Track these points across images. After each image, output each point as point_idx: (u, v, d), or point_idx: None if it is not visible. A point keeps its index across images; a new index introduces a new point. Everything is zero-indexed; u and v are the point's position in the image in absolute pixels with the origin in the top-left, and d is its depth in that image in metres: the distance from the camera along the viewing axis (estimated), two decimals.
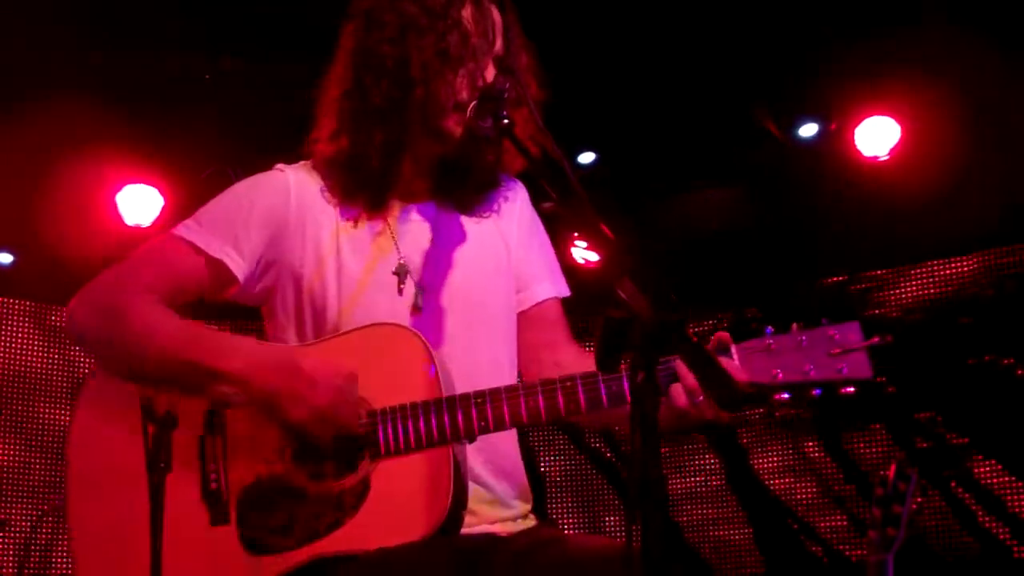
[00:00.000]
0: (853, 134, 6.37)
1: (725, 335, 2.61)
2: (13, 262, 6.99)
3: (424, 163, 2.83)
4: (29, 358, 7.05)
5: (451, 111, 2.71)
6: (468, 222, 2.90)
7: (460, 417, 2.55)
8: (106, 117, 6.09)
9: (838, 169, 6.53)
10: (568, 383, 2.57)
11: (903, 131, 6.29)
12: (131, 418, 2.59)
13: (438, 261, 2.83)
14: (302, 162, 2.89)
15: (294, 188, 2.81)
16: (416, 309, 2.76)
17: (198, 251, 2.75)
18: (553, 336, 3.00)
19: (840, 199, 6.60)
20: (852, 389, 2.51)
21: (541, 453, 7.44)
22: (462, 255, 2.87)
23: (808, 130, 6.54)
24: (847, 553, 6.61)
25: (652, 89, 6.31)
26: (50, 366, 7.10)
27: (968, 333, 6.48)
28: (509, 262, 2.95)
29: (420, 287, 2.78)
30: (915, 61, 5.91)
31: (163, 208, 6.73)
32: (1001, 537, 6.23)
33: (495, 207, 2.94)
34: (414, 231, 2.85)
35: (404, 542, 2.46)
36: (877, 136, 6.33)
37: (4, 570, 6.59)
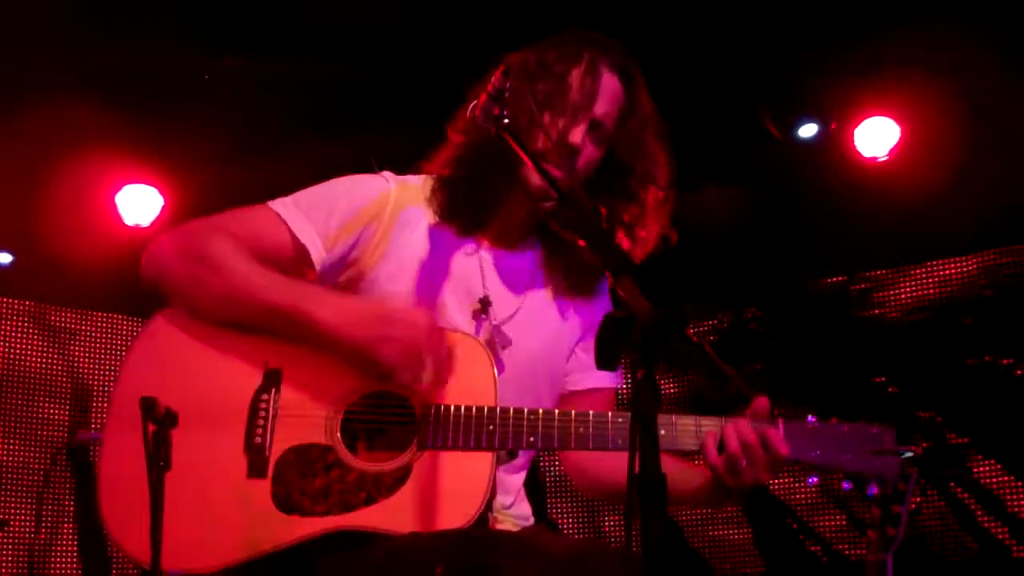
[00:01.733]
0: (853, 134, 6.37)
1: (765, 401, 2.67)
2: (13, 262, 6.99)
3: (518, 216, 2.91)
4: (29, 358, 7.04)
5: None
6: (555, 292, 2.98)
7: (511, 429, 2.62)
8: (105, 117, 6.09)
9: (838, 169, 6.53)
10: (620, 419, 2.64)
11: (903, 131, 6.29)
12: (190, 361, 2.69)
13: (516, 310, 2.91)
14: (408, 175, 2.97)
15: (394, 196, 2.89)
16: (489, 342, 2.82)
17: (287, 229, 2.83)
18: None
19: (840, 199, 6.60)
20: (876, 491, 2.78)
21: (541, 455, 7.45)
22: (539, 318, 2.94)
23: (808, 130, 6.53)
24: (846, 552, 6.61)
25: (651, 89, 6.30)
26: (49, 366, 7.10)
27: (968, 333, 6.48)
28: (573, 343, 3.03)
29: (495, 324, 2.85)
30: (915, 62, 5.91)
31: (163, 208, 6.73)
32: (1000, 537, 6.23)
33: (585, 294, 3.01)
34: (503, 274, 2.92)
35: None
36: (877, 136, 6.33)
37: (4, 570, 6.60)
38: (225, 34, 5.96)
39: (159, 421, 2.37)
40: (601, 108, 2.84)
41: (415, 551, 2.46)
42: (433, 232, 2.89)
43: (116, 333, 7.16)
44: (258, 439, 2.65)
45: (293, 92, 6.22)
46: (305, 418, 2.67)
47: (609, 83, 2.86)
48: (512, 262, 2.95)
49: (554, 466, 7.50)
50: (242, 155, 6.42)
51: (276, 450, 2.65)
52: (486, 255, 2.92)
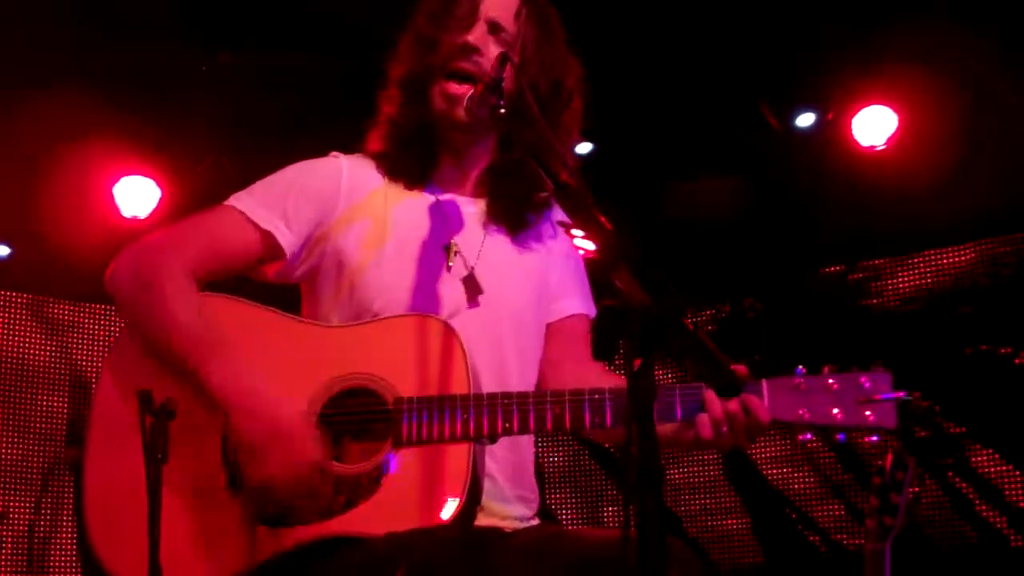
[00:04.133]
0: (850, 123, 6.37)
1: (744, 369, 2.62)
2: (10, 254, 6.98)
3: (464, 157, 2.93)
4: (27, 350, 7.04)
5: (431, 81, 2.83)
6: (514, 230, 2.97)
7: (486, 417, 2.58)
8: (103, 109, 6.08)
9: (835, 159, 6.52)
10: (596, 395, 2.59)
11: (900, 120, 6.28)
12: (157, 376, 2.64)
13: (482, 253, 2.89)
14: (357, 153, 2.98)
15: (347, 173, 2.90)
16: (459, 288, 2.82)
17: (248, 221, 2.82)
18: (577, 350, 3.05)
19: (837, 189, 6.59)
20: (876, 438, 2.55)
21: (540, 445, 7.44)
22: (505, 258, 2.93)
23: (805, 120, 6.53)
24: (845, 542, 6.62)
25: (648, 79, 6.30)
26: (48, 358, 7.09)
27: (966, 322, 6.48)
28: (547, 274, 3.02)
29: (465, 268, 2.85)
30: (912, 51, 5.90)
31: (160, 200, 6.72)
32: (998, 526, 6.23)
33: (542, 225, 3.01)
34: (465, 220, 2.92)
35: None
36: (874, 126, 6.32)
37: (3, 561, 6.60)
38: (222, 27, 5.95)
39: (156, 413, 2.37)
40: (492, 11, 2.85)
41: (382, 553, 2.42)
42: (389, 194, 2.89)
43: (114, 325, 7.15)
44: (233, 453, 2.62)
45: (290, 84, 6.22)
46: None
47: None
48: (466, 207, 2.95)
49: (553, 456, 7.51)
50: (239, 147, 6.41)
51: None
52: (443, 203, 2.92)
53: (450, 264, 2.84)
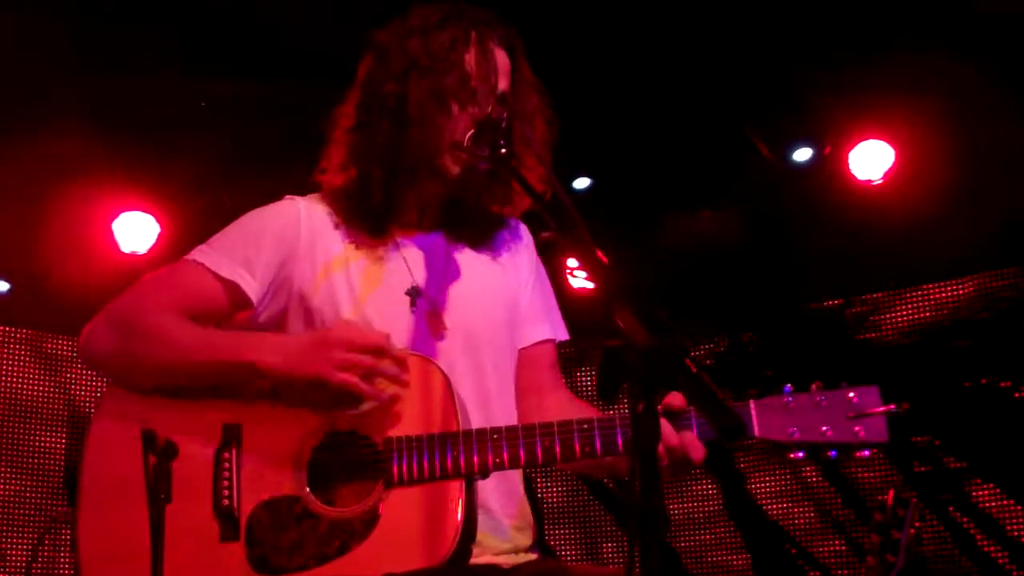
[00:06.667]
0: (847, 158, 6.39)
1: (680, 398, 2.61)
2: (9, 289, 6.99)
3: (430, 197, 2.90)
4: (25, 386, 7.03)
5: (447, 151, 2.78)
6: (476, 256, 2.95)
7: (476, 453, 2.57)
8: (102, 145, 6.11)
9: (832, 193, 6.54)
10: (585, 426, 2.59)
11: (897, 154, 6.31)
12: (149, 424, 2.59)
13: (448, 287, 2.88)
14: (312, 194, 2.95)
15: (304, 215, 2.87)
16: (427, 329, 2.80)
17: (211, 274, 2.80)
18: (541, 380, 3.04)
19: (835, 223, 6.61)
20: (867, 452, 2.54)
21: (539, 480, 7.42)
22: (471, 285, 2.91)
23: (802, 154, 6.55)
24: None
25: (646, 113, 6.33)
26: (46, 394, 7.08)
27: (964, 356, 6.48)
28: (515, 299, 3.00)
29: (432, 308, 2.82)
30: (909, 85, 5.93)
31: (159, 235, 6.73)
32: (1000, 562, 6.21)
33: (503, 245, 2.99)
34: (425, 257, 2.90)
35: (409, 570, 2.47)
36: (871, 160, 6.35)
37: None
38: (221, 62, 5.97)
39: (159, 453, 2.36)
40: (502, 84, 2.83)
41: None
42: (348, 237, 2.86)
43: None
44: (225, 501, 2.61)
45: (288, 117, 6.23)
46: (270, 470, 2.63)
47: (500, 58, 2.85)
48: (427, 243, 2.92)
49: (552, 492, 7.48)
50: (238, 182, 6.42)
51: (245, 509, 2.61)
52: (404, 244, 2.89)
53: (414, 308, 2.82)
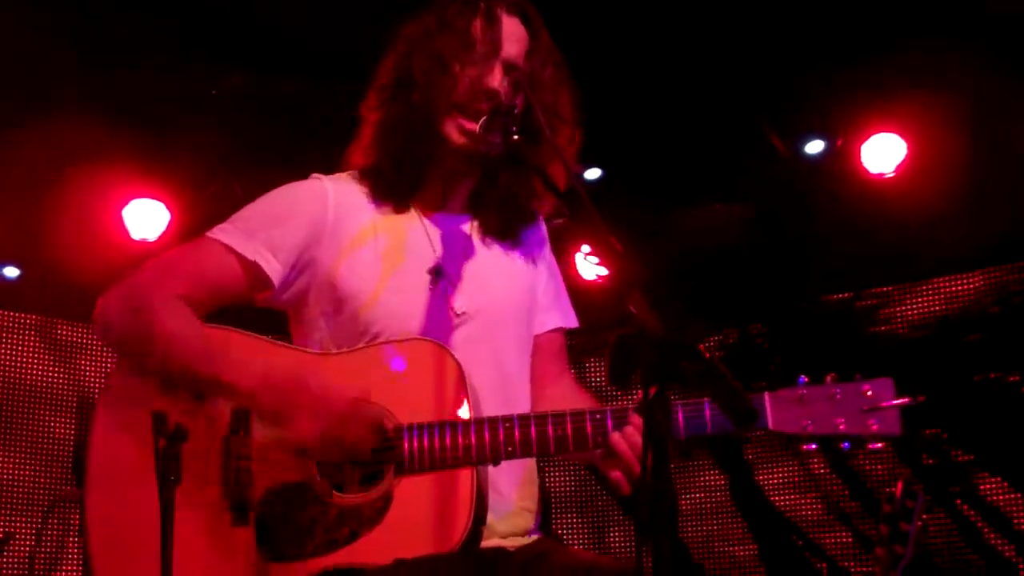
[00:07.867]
0: (859, 151, 6.38)
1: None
2: (20, 276, 7.00)
3: (448, 174, 2.88)
4: (35, 371, 7.05)
5: (445, 113, 2.76)
6: (501, 244, 2.95)
7: (488, 440, 2.56)
8: (112, 132, 6.11)
9: (844, 186, 6.53)
10: (598, 414, 2.58)
11: (909, 148, 6.29)
12: (157, 406, 2.58)
13: (470, 269, 2.87)
14: (339, 173, 2.94)
15: (332, 195, 2.84)
16: (448, 309, 2.79)
17: (233, 253, 2.76)
18: (547, 368, 3.04)
19: (846, 216, 6.60)
20: (880, 445, 2.52)
21: (546, 469, 7.43)
22: (494, 270, 2.91)
23: (814, 147, 6.54)
24: (853, 570, 6.59)
25: (658, 106, 6.32)
26: (56, 379, 7.10)
27: (974, 350, 6.47)
28: (536, 285, 3.01)
29: (453, 288, 2.82)
30: (921, 78, 5.92)
31: (169, 223, 6.74)
32: (1007, 554, 6.21)
33: (527, 239, 3.00)
34: (449, 238, 2.89)
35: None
36: (883, 153, 6.34)
37: None
38: (231, 51, 5.98)
39: (169, 435, 2.36)
40: (508, 50, 2.80)
41: None
42: (377, 217, 2.85)
43: None
44: (235, 486, 2.59)
45: (298, 106, 6.24)
46: (279, 455, 2.61)
47: (510, 25, 2.83)
48: (452, 224, 2.91)
49: (559, 480, 7.49)
50: (248, 169, 6.43)
51: (255, 495, 2.59)
52: (428, 223, 2.88)
53: (434, 285, 2.82)
